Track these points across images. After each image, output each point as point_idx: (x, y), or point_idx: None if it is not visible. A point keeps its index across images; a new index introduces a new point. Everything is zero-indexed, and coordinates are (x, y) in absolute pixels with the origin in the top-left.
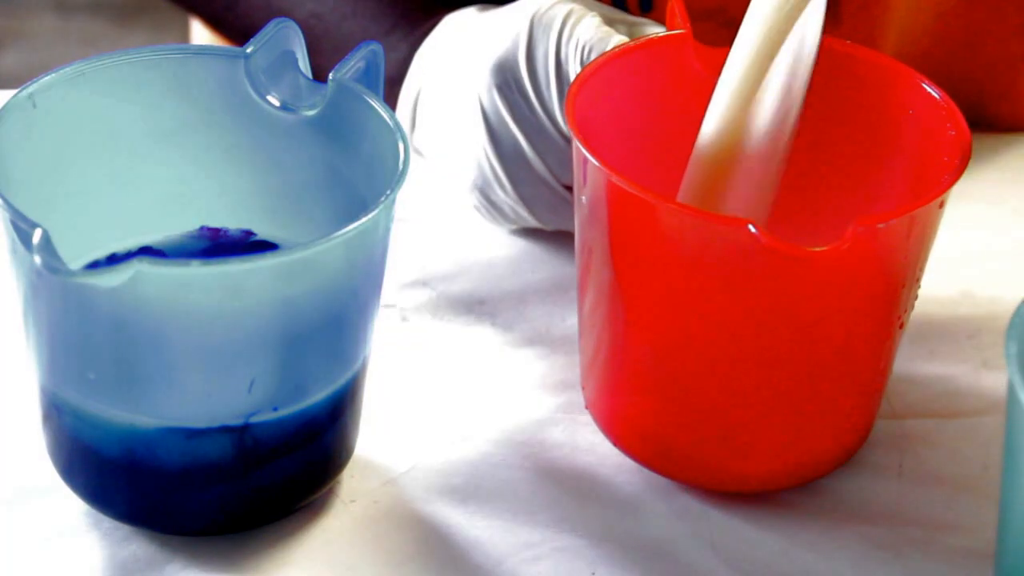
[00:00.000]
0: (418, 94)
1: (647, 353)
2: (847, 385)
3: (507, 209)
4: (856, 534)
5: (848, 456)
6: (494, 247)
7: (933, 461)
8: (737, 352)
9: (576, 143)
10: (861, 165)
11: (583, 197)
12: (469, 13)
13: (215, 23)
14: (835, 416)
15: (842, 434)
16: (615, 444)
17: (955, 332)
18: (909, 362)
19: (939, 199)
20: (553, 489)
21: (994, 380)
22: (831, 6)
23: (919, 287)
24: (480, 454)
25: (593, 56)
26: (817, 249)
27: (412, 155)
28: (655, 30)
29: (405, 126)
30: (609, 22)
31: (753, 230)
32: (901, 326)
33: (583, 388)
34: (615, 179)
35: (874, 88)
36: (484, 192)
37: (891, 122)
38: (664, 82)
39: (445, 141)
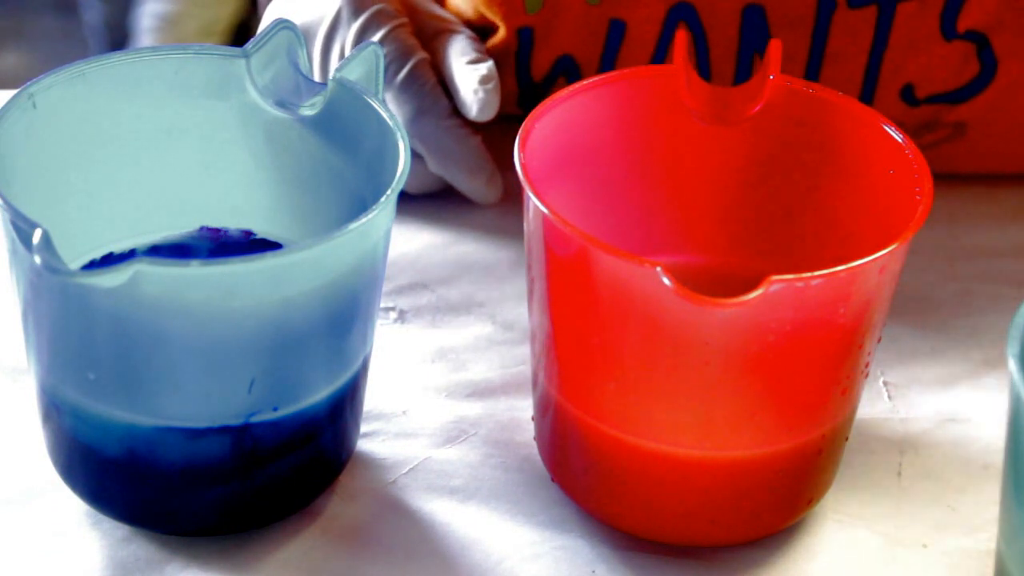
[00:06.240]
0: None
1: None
2: (779, 438)
3: None
4: (855, 534)
5: (779, 523)
6: (494, 249)
7: (933, 461)
8: (660, 390)
9: (516, 163)
10: (845, 212)
11: (526, 230)
12: None
13: None
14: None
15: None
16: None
17: (955, 332)
18: (909, 362)
19: (878, 262)
20: (553, 489)
21: (994, 380)
22: (958, 128)
23: (870, 350)
24: (480, 454)
25: (389, 67)
26: (727, 300)
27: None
28: (461, 42)
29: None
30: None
31: (663, 277)
32: (843, 392)
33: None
34: (544, 210)
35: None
36: None
37: (872, 174)
38: (644, 115)
39: None
